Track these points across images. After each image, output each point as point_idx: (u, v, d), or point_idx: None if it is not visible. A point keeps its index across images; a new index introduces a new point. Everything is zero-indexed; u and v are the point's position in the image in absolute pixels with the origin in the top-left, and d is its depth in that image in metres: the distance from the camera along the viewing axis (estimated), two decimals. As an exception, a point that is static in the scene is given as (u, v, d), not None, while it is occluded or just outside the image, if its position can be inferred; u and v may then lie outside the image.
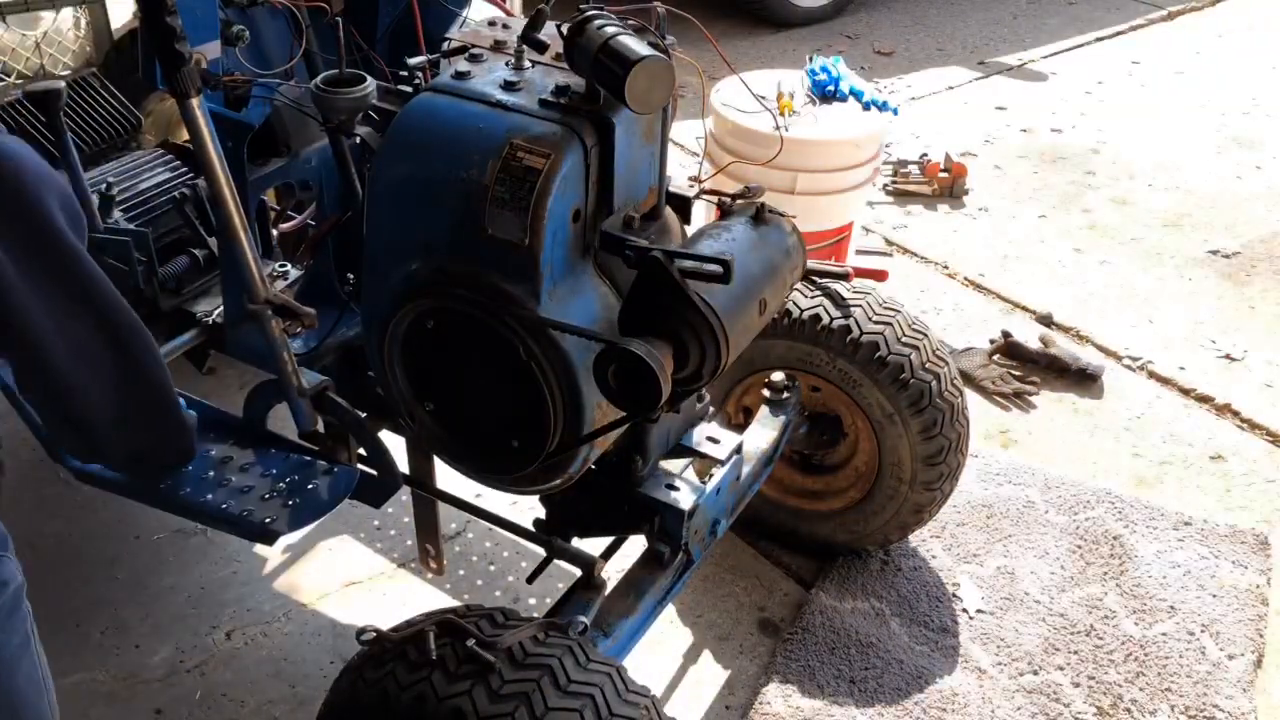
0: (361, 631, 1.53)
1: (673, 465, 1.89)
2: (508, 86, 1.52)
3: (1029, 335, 3.37)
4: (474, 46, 1.65)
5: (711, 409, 2.05)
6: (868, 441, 2.34)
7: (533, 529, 1.94)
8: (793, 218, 1.79)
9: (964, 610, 2.45)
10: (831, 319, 2.20)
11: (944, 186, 4.23)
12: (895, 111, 3.12)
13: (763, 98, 2.87)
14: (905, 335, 2.21)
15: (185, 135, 2.49)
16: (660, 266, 1.43)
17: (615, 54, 1.39)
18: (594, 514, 1.89)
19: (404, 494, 2.25)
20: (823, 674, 2.27)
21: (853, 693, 2.24)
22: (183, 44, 1.51)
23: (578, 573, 1.87)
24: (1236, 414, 3.14)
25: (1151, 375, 3.29)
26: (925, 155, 4.34)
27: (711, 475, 1.93)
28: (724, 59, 2.05)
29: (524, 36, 1.58)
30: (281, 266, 2.22)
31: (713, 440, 1.97)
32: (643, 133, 1.56)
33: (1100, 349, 3.40)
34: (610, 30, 1.42)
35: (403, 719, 1.43)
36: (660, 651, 2.34)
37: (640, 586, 1.89)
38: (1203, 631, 2.41)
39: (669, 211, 1.72)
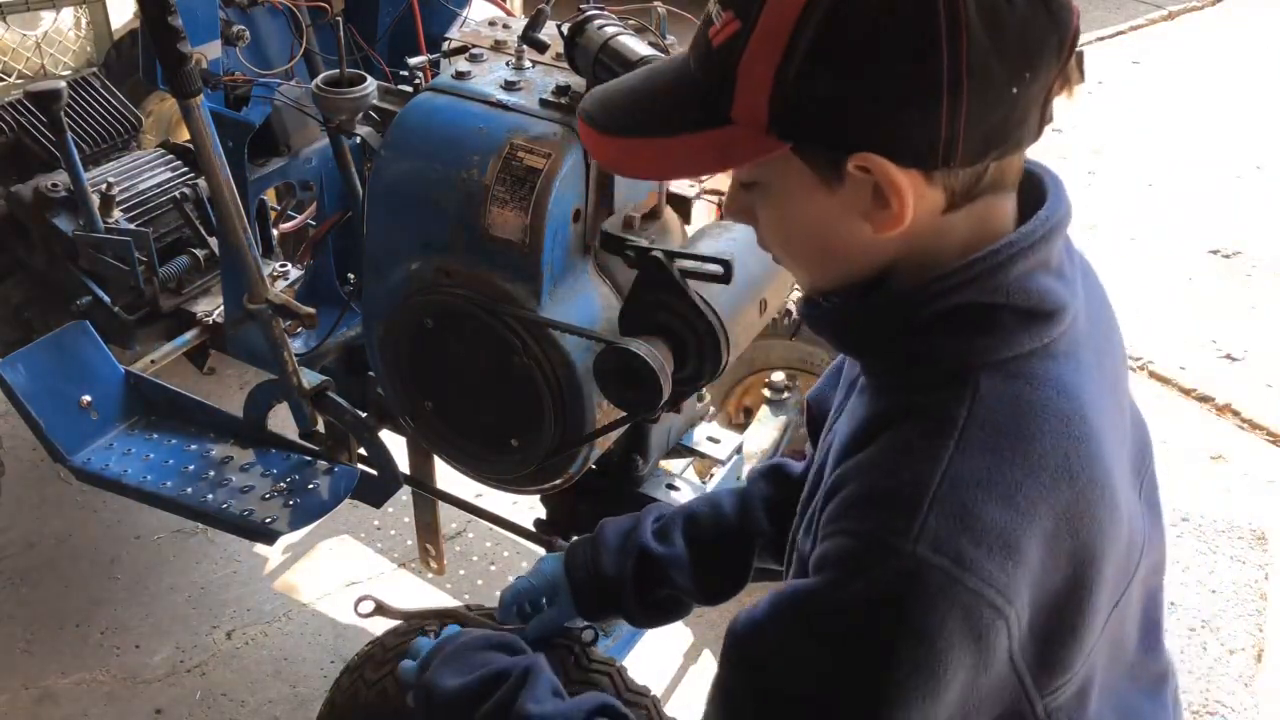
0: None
1: (673, 465, 1.89)
2: (508, 86, 1.52)
3: (1029, 335, 3.37)
4: (474, 46, 1.65)
5: (712, 409, 2.05)
6: (868, 441, 2.33)
7: (533, 529, 1.93)
8: (793, 217, 1.79)
9: (964, 610, 2.45)
10: (831, 319, 2.20)
11: (944, 186, 4.22)
12: (895, 111, 3.11)
13: (763, 97, 2.86)
14: (905, 335, 2.21)
15: (185, 135, 2.50)
16: (660, 266, 1.42)
17: (616, 54, 1.39)
18: (594, 514, 1.88)
19: (404, 494, 2.25)
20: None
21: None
22: (183, 44, 1.51)
23: (578, 572, 1.86)
24: (1237, 414, 3.14)
25: (1151, 375, 3.29)
26: (925, 155, 4.33)
27: (712, 475, 1.93)
28: (724, 59, 2.05)
29: (524, 36, 1.58)
30: (281, 266, 2.22)
31: (713, 440, 1.97)
32: (643, 133, 1.55)
33: (1100, 349, 3.40)
34: (610, 30, 1.42)
35: (402, 719, 1.43)
36: (660, 651, 2.34)
37: (640, 586, 1.89)
38: (1203, 627, 2.41)
39: (669, 211, 1.72)
